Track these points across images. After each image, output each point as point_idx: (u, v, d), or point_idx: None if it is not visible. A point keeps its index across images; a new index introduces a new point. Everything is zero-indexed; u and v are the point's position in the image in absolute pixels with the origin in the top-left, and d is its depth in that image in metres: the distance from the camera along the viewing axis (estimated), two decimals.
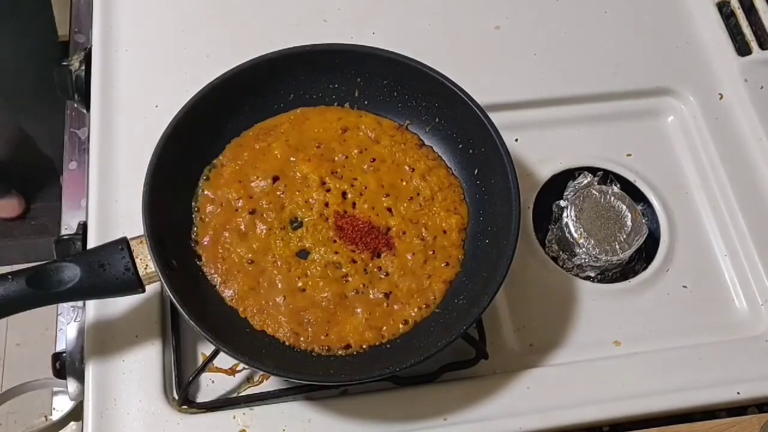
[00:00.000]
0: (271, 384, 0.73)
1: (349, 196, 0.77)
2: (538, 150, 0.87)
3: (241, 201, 0.75)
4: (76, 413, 0.75)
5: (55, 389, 0.80)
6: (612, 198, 0.82)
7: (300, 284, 0.72)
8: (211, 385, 0.73)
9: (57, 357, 0.77)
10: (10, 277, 0.64)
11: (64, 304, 0.79)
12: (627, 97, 0.92)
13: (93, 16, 0.91)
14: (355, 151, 0.79)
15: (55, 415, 0.78)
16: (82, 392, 0.74)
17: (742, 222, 0.84)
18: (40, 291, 0.64)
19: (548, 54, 0.93)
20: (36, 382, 0.84)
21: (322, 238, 0.74)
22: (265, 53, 0.77)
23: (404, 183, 0.78)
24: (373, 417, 0.72)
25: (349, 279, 0.73)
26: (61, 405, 0.79)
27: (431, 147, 0.80)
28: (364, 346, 0.70)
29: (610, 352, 0.78)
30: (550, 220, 0.85)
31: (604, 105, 0.91)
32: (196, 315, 0.65)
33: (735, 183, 0.87)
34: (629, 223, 0.81)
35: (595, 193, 0.82)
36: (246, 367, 0.73)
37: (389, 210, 0.76)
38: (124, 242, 0.67)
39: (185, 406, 0.72)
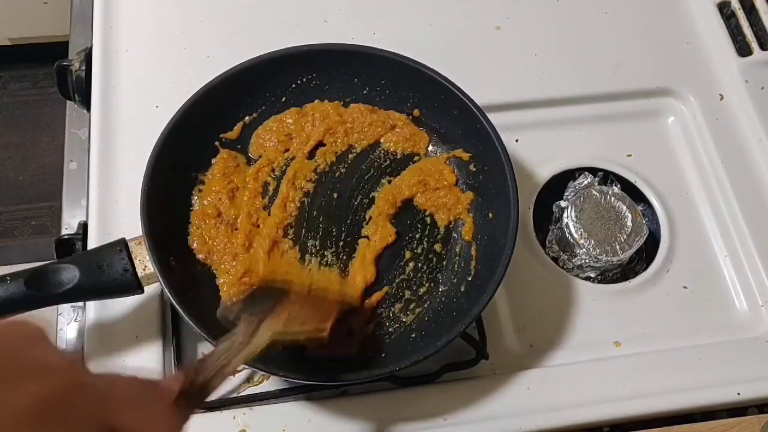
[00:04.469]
0: (271, 384, 0.73)
1: None
2: (538, 150, 0.87)
3: None
4: None
5: None
6: (612, 198, 0.82)
7: None
8: None
9: None
10: (8, 278, 0.63)
11: (64, 305, 0.79)
12: (627, 98, 0.92)
13: (93, 16, 0.91)
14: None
15: None
16: None
17: (742, 222, 0.84)
18: (39, 292, 0.64)
19: (548, 54, 0.93)
20: None
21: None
22: (263, 53, 0.77)
23: None
24: (373, 417, 0.72)
25: None
26: None
27: None
28: (368, 341, 0.71)
29: (610, 352, 0.78)
30: (551, 221, 0.85)
31: (604, 105, 0.91)
32: (195, 315, 0.65)
33: (735, 183, 0.87)
34: (629, 223, 0.81)
35: (595, 193, 0.82)
36: (246, 367, 0.73)
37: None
38: (122, 243, 0.67)
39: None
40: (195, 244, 0.72)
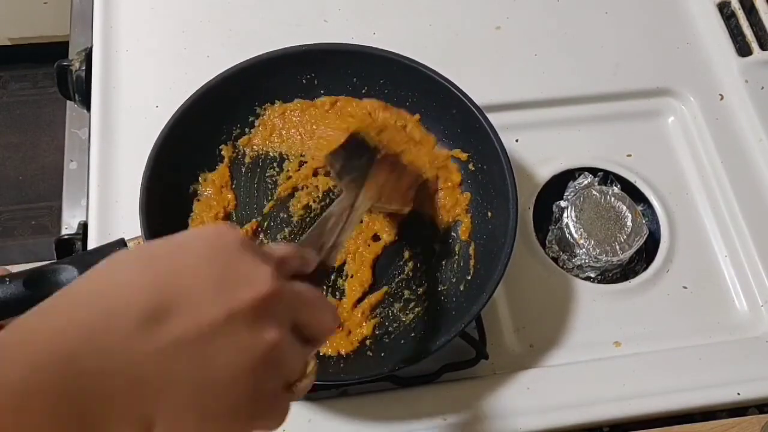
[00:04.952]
0: None
1: None
2: (538, 150, 0.87)
3: None
4: None
5: None
6: (612, 198, 0.82)
7: None
8: None
9: None
10: (7, 279, 0.63)
11: None
12: (627, 98, 0.92)
13: (93, 16, 0.91)
14: None
15: None
16: None
17: (742, 222, 0.84)
18: (38, 293, 0.64)
19: (548, 54, 0.93)
20: None
21: None
22: (262, 53, 0.77)
23: None
24: (373, 417, 0.72)
25: None
26: None
27: None
28: (368, 341, 0.71)
29: (610, 352, 0.78)
30: (551, 221, 0.85)
31: (604, 105, 0.91)
32: None
33: (735, 183, 0.87)
34: (629, 223, 0.81)
35: (595, 193, 0.82)
36: None
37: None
38: (121, 243, 0.67)
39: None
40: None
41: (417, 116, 0.79)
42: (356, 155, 0.69)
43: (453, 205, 0.77)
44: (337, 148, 0.70)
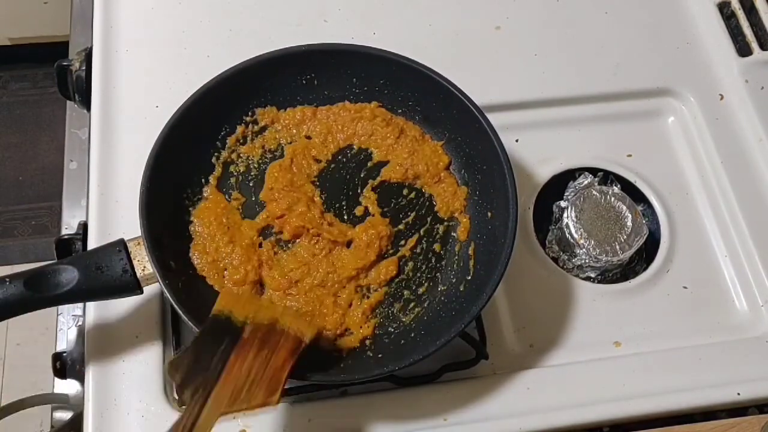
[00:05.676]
0: None
1: None
2: (538, 150, 0.87)
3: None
4: (75, 423, 0.74)
5: (54, 405, 0.79)
6: (612, 198, 0.82)
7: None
8: None
9: (57, 357, 0.77)
10: (8, 280, 0.63)
11: (65, 306, 0.79)
12: (627, 98, 0.92)
13: (93, 16, 0.91)
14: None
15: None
16: (82, 392, 0.74)
17: (742, 222, 0.84)
18: (38, 294, 0.64)
19: (548, 54, 0.93)
20: (35, 398, 0.84)
21: None
22: (262, 53, 0.77)
23: None
24: (373, 417, 0.72)
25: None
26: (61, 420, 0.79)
27: None
28: (368, 341, 0.71)
29: (610, 352, 0.78)
30: (551, 221, 0.85)
31: (604, 105, 0.91)
32: (194, 315, 0.65)
33: (735, 183, 0.87)
34: (629, 223, 0.81)
35: (595, 193, 0.82)
36: None
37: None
38: (121, 244, 0.67)
39: (185, 406, 0.71)
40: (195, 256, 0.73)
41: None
42: (212, 347, 0.61)
43: (452, 195, 0.77)
44: (182, 353, 0.61)
